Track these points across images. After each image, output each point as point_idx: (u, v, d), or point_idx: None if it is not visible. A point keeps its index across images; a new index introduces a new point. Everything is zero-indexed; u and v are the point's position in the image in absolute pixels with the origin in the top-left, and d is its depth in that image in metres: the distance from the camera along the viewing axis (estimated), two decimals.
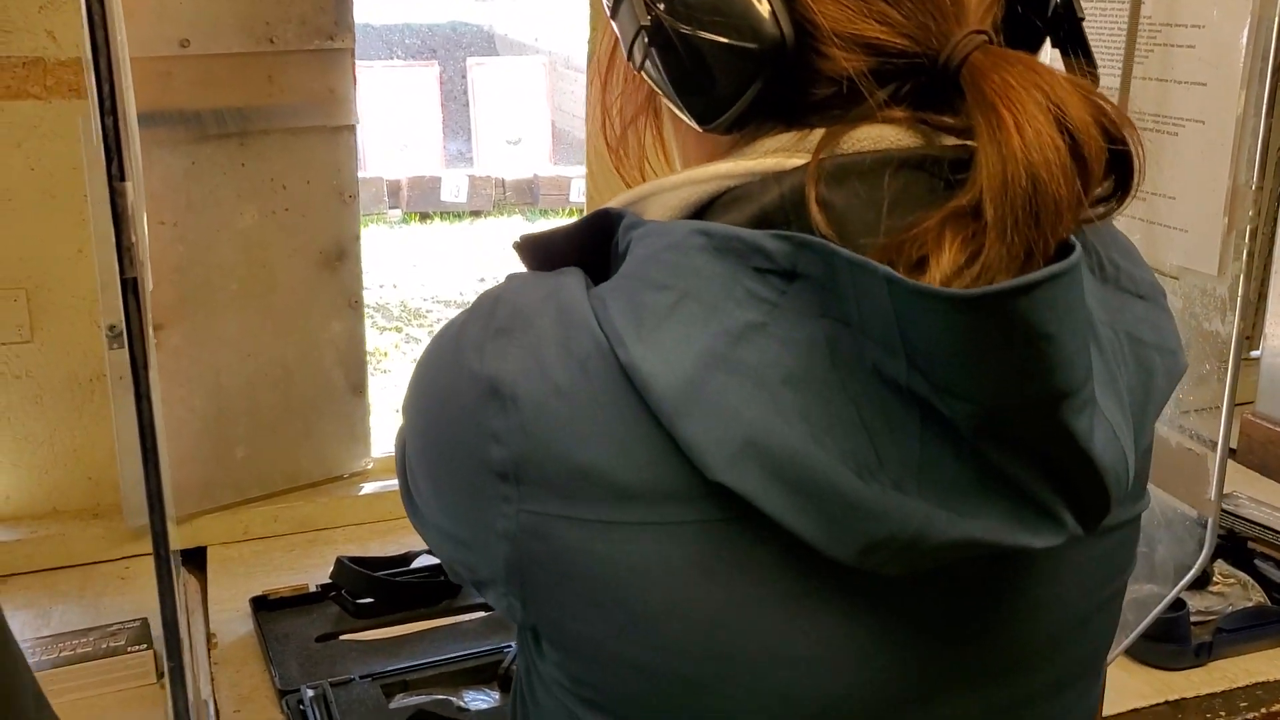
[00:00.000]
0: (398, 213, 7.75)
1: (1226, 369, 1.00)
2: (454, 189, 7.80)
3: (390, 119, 7.89)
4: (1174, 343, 0.66)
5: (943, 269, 0.51)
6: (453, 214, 7.85)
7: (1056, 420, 0.51)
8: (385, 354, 5.39)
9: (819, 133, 0.58)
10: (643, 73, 0.61)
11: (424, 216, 7.82)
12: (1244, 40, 0.99)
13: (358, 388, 1.73)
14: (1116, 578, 0.68)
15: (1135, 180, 0.57)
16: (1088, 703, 0.71)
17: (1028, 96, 0.53)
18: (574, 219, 0.62)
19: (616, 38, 0.64)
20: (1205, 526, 1.07)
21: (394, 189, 7.78)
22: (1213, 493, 1.05)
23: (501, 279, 0.63)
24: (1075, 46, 0.63)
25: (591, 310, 0.57)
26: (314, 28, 1.55)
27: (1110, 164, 0.55)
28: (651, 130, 0.72)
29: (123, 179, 0.67)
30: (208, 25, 1.47)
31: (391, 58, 9.83)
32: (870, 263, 0.51)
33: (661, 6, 0.58)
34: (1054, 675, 0.66)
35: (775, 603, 0.57)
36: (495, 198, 7.90)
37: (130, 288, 0.70)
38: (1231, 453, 2.01)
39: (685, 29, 0.57)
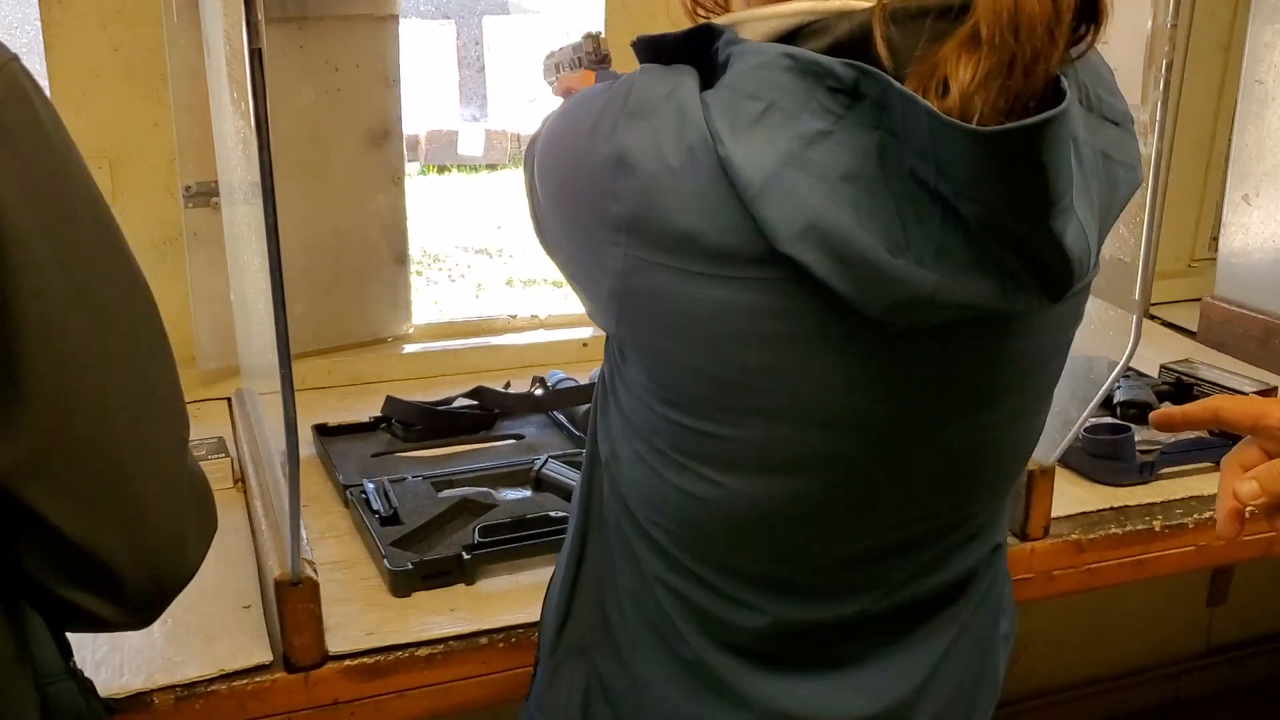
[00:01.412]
0: (416, 165, 7.96)
1: (1146, 185, 1.19)
2: (471, 143, 7.99)
3: (408, 76, 8.06)
4: (1135, 160, 0.84)
5: (960, 86, 0.66)
6: (469, 166, 8.05)
7: (1042, 222, 0.68)
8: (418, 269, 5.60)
9: None
10: None
11: (442, 169, 8.01)
12: None
13: (400, 257, 1.93)
14: (1069, 330, 0.88)
15: (1105, 13, 0.71)
16: (1035, 429, 0.92)
17: None
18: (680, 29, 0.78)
19: None
20: (1132, 323, 1.26)
21: (413, 143, 7.97)
22: (1137, 292, 1.24)
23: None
24: None
25: (701, 110, 0.72)
26: None
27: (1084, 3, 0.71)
28: None
29: None
30: None
31: (409, 17, 9.96)
32: (916, 98, 0.66)
33: None
34: (1017, 407, 0.86)
35: (813, 339, 0.75)
36: (510, 151, 8.09)
37: (256, 58, 0.90)
38: (1192, 334, 2.20)
39: None
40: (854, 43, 0.72)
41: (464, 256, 6.33)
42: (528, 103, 8.41)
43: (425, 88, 8.29)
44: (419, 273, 6.05)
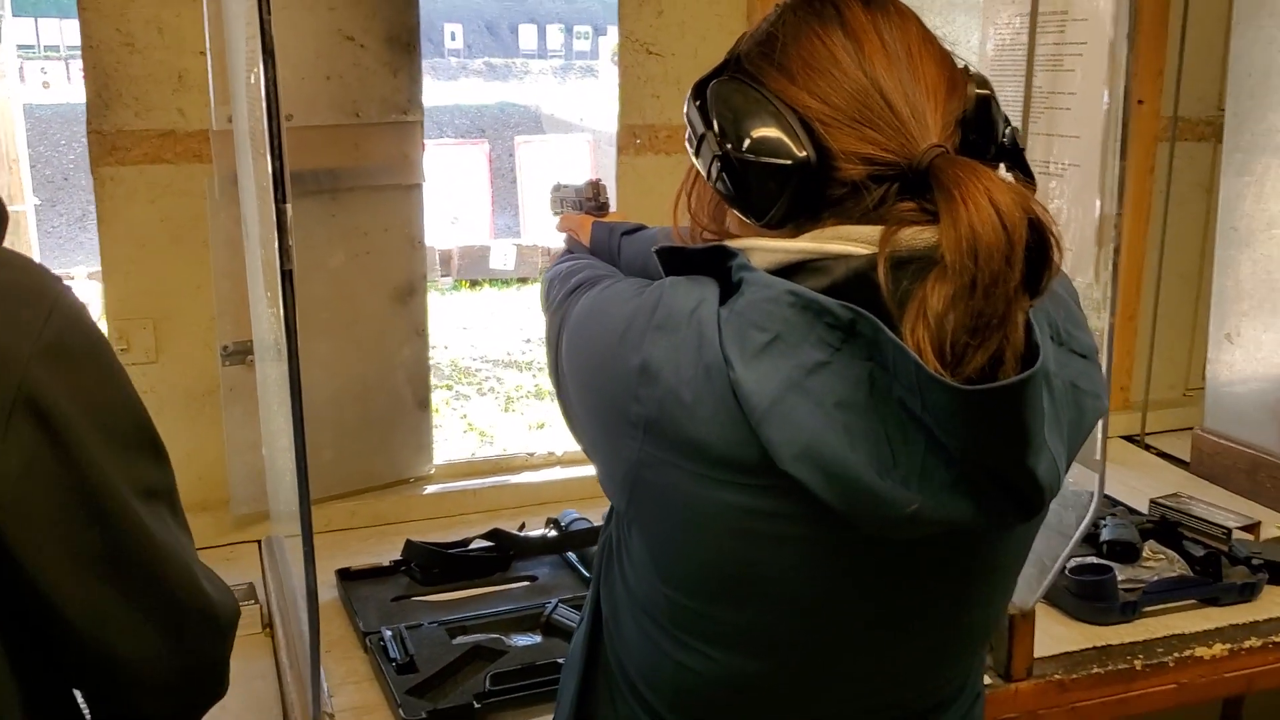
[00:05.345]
0: (449, 280, 8.18)
1: (1102, 354, 1.29)
2: (502, 258, 8.22)
3: (442, 193, 8.35)
4: (1101, 390, 0.93)
5: (934, 312, 0.76)
6: (501, 281, 8.27)
7: (1018, 462, 0.78)
8: (436, 409, 5.72)
9: (869, 230, 0.83)
10: (716, 187, 0.89)
11: (474, 283, 8.23)
12: (1104, 104, 1.30)
13: (423, 403, 2.05)
14: (1035, 529, 0.97)
15: (1055, 256, 0.81)
16: (1002, 612, 1.02)
17: (974, 186, 0.79)
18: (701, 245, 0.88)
19: (694, 168, 0.93)
20: (1096, 482, 1.35)
21: (445, 258, 8.21)
22: (1098, 453, 1.33)
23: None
24: (1017, 166, 0.92)
25: (718, 332, 0.82)
26: (391, 105, 1.90)
27: (1037, 242, 0.79)
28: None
29: (285, 201, 0.98)
30: (307, 103, 1.82)
31: (443, 137, 10.32)
32: (905, 348, 0.76)
33: (729, 145, 0.86)
34: (987, 596, 0.96)
35: (807, 539, 0.85)
36: (541, 265, 8.31)
37: (287, 278, 1.02)
38: (1185, 465, 2.27)
39: (748, 156, 0.85)
40: (849, 284, 0.83)
41: (494, 370, 6.48)
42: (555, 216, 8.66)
43: (458, 205, 8.56)
44: (449, 386, 6.19)
